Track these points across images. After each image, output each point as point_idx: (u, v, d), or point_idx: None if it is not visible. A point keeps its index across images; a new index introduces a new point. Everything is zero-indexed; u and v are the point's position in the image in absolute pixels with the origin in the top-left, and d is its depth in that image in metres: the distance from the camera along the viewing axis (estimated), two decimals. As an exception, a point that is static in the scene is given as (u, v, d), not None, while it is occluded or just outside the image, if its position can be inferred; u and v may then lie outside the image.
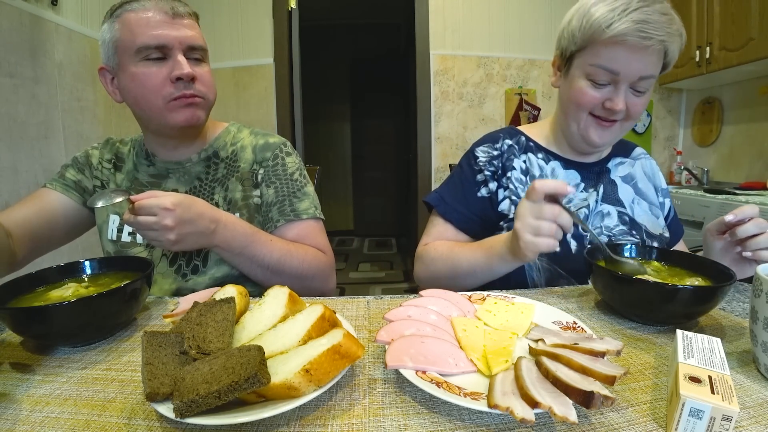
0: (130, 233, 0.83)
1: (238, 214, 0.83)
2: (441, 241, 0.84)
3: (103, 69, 0.78)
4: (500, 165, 0.85)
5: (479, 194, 0.85)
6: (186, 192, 0.85)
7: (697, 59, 2.24)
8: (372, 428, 0.36)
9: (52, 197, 0.84)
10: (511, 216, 0.82)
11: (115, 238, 0.84)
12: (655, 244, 0.82)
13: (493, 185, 0.84)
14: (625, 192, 0.87)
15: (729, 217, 0.63)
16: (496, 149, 0.87)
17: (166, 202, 0.64)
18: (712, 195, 1.95)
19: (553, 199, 0.61)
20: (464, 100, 2.62)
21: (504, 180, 0.84)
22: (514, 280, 0.77)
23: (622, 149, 0.92)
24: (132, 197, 0.64)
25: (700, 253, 0.74)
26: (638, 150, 0.94)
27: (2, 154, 1.39)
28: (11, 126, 1.43)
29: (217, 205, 0.84)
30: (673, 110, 2.84)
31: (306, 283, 0.80)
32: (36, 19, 1.53)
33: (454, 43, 2.56)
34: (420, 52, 2.57)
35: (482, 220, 0.85)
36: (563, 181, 0.60)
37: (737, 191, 1.96)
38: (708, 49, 2.16)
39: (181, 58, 0.74)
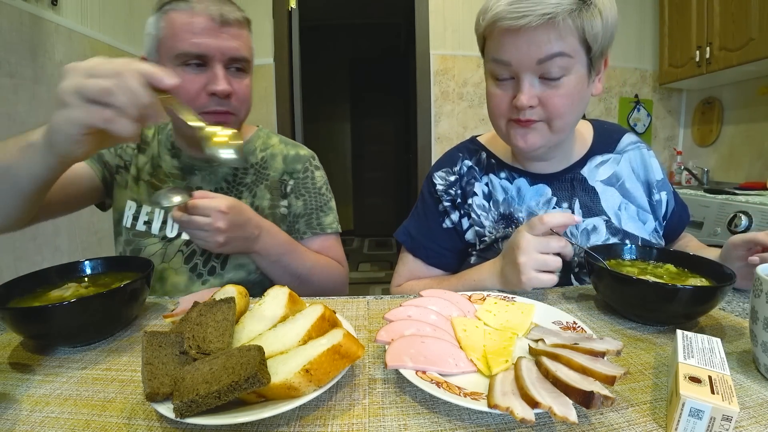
0: (145, 222, 0.82)
1: None
2: (415, 282, 0.81)
3: (143, 59, 0.75)
4: (459, 191, 0.79)
5: (444, 225, 0.80)
6: (211, 192, 0.85)
7: (697, 59, 2.24)
8: (372, 428, 0.36)
9: (73, 166, 0.82)
10: (479, 246, 0.77)
11: (129, 225, 0.82)
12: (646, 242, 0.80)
13: (455, 216, 0.79)
14: (608, 198, 0.77)
15: None
16: (453, 173, 0.80)
17: (221, 204, 0.64)
18: (712, 195, 1.95)
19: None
20: (464, 100, 2.61)
21: (465, 207, 0.79)
22: None
23: (605, 143, 0.80)
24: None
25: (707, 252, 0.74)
26: (626, 139, 0.82)
27: (2, 154, 1.39)
28: (11, 126, 1.43)
29: None
30: (673, 110, 2.84)
31: (325, 293, 0.82)
32: (36, 19, 1.53)
33: (454, 43, 2.56)
34: (420, 52, 2.57)
35: (451, 252, 0.81)
36: (569, 213, 0.57)
37: (737, 191, 1.96)
38: (708, 49, 2.15)
39: (219, 70, 0.71)
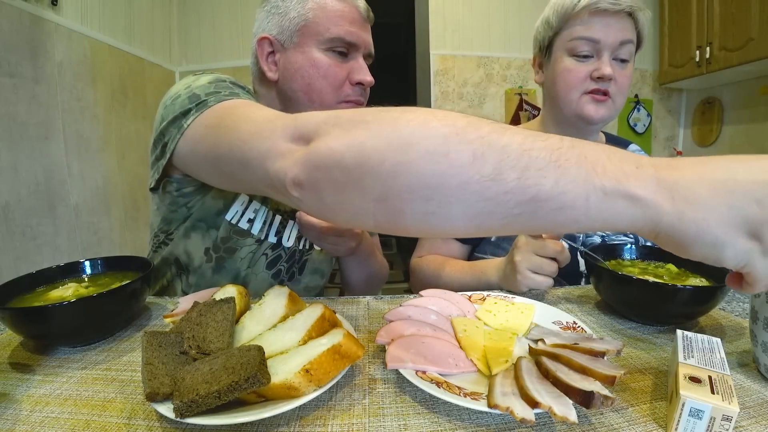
0: (249, 220, 0.74)
1: None
2: (433, 257, 0.85)
3: (265, 39, 0.74)
4: None
5: None
6: None
7: (697, 59, 2.24)
8: (372, 428, 0.36)
9: None
10: None
11: (235, 221, 0.74)
12: (649, 243, 0.82)
13: None
14: None
15: None
16: None
17: None
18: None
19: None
20: (464, 100, 2.61)
21: None
22: None
23: (615, 146, 0.92)
24: None
25: None
26: (632, 146, 0.94)
27: (2, 154, 1.39)
28: (11, 126, 1.43)
29: None
30: (673, 110, 2.83)
31: (375, 290, 0.87)
32: (36, 19, 1.53)
33: (454, 43, 2.56)
34: (420, 52, 2.57)
35: None
36: None
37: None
38: (708, 49, 2.15)
39: (362, 62, 0.74)
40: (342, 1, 0.72)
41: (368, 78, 0.73)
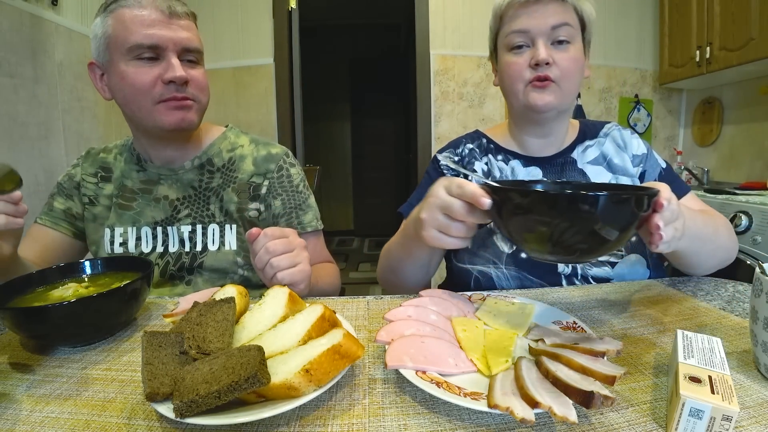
0: (120, 244, 0.82)
1: (234, 226, 0.82)
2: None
3: (92, 64, 0.76)
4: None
5: None
6: (179, 199, 0.83)
7: (697, 59, 2.24)
8: (372, 428, 0.36)
9: (43, 234, 0.84)
10: None
11: (110, 251, 0.83)
12: (564, 179, 0.81)
13: None
14: (598, 176, 0.84)
15: None
16: (457, 155, 0.88)
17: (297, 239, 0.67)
18: (712, 195, 1.95)
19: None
20: (464, 100, 2.61)
21: None
22: (484, 289, 0.74)
23: (590, 132, 0.88)
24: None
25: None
26: (608, 125, 0.89)
27: (2, 154, 1.39)
28: (11, 126, 1.43)
29: (213, 215, 0.83)
30: (673, 110, 2.83)
31: (326, 294, 0.81)
32: (36, 19, 1.53)
33: (454, 43, 2.56)
34: (420, 52, 2.57)
35: None
36: (482, 193, 0.50)
37: (737, 191, 1.96)
38: (708, 49, 2.15)
39: (174, 60, 0.72)
40: (138, 6, 0.70)
41: (177, 74, 0.71)
